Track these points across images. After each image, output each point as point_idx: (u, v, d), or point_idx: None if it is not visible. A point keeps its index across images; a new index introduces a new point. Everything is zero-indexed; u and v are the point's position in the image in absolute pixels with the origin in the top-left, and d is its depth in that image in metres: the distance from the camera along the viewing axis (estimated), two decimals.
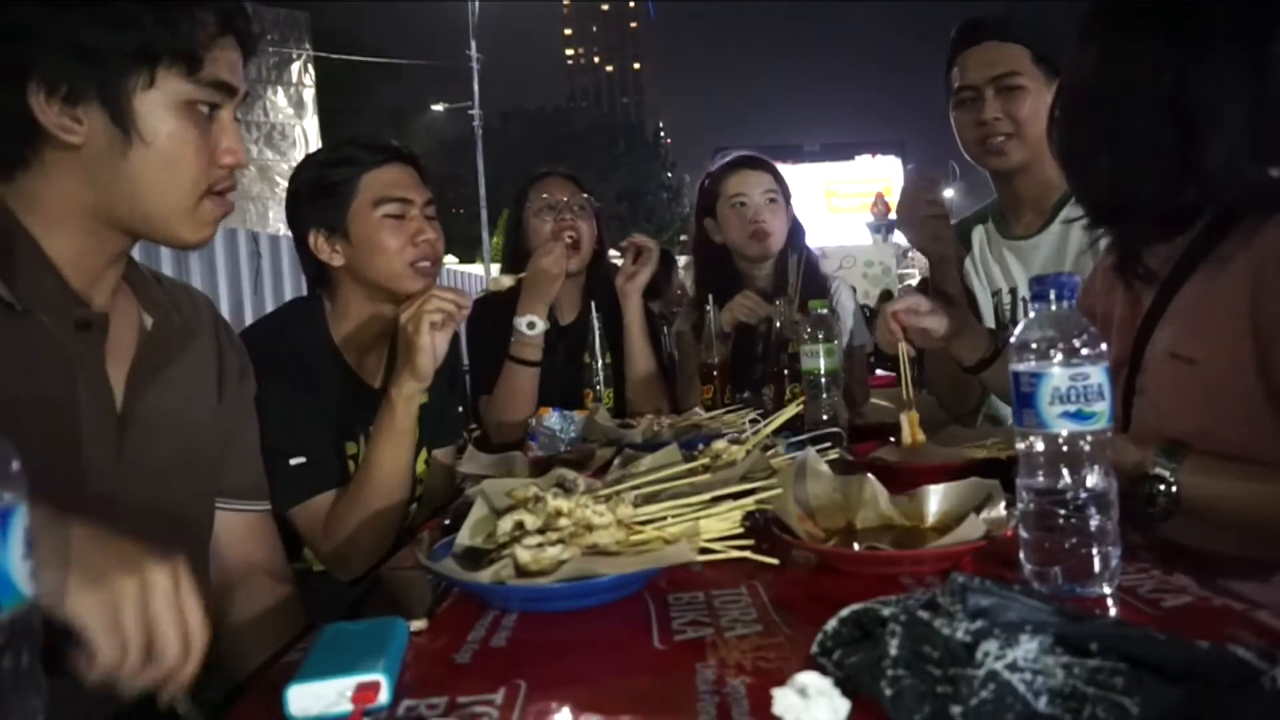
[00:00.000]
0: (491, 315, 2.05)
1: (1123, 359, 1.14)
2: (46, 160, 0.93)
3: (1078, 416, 0.74)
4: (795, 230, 2.24)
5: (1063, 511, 0.75)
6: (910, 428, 1.40)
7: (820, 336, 1.55)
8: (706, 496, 0.92)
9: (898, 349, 1.48)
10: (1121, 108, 1.03)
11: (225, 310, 5.78)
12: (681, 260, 6.43)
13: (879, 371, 3.73)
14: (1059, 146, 1.13)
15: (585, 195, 2.13)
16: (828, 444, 1.23)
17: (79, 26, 0.89)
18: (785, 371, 1.81)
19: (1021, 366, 0.77)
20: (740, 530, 0.87)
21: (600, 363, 1.95)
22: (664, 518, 0.89)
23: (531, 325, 1.88)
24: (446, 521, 1.05)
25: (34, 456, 0.50)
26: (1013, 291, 1.81)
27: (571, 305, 2.19)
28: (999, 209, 1.90)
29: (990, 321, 1.85)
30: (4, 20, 0.88)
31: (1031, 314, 0.79)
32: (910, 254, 13.21)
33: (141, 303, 1.07)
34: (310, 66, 17.25)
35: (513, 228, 2.19)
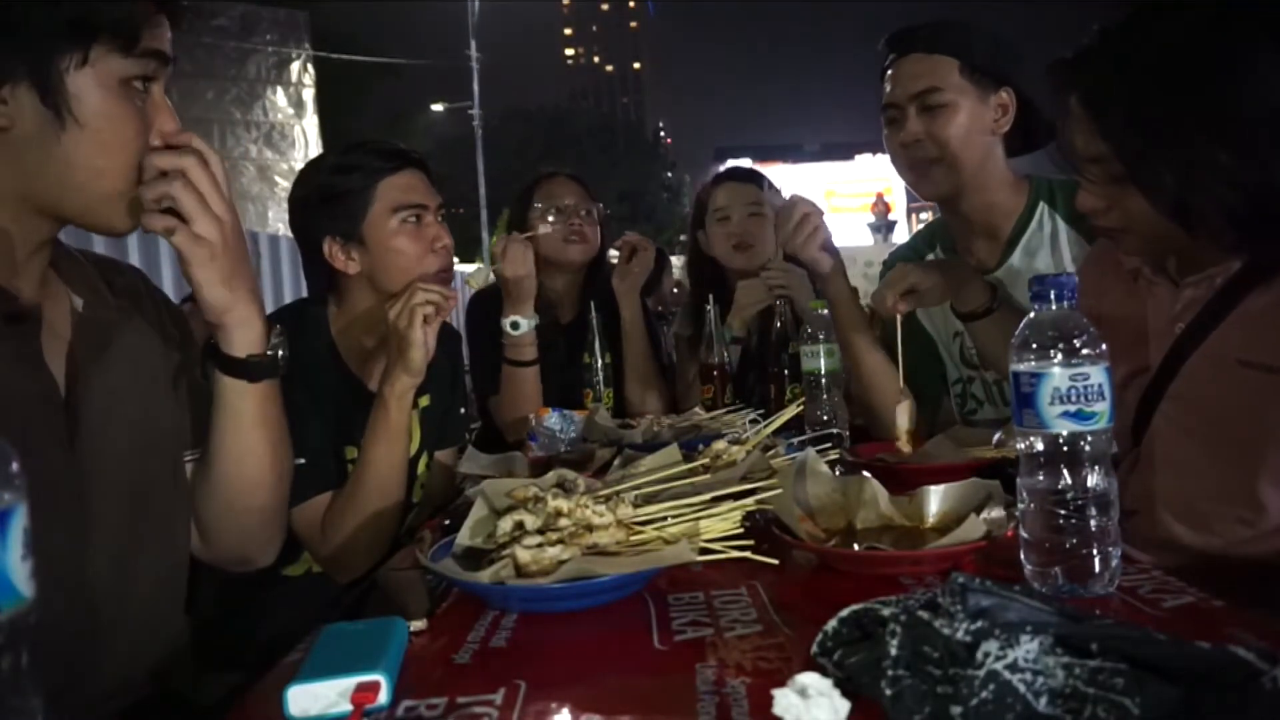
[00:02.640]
0: (490, 314, 2.05)
1: (1143, 365, 1.11)
2: None
3: (1078, 416, 0.74)
4: None
5: (1063, 512, 0.75)
6: (905, 419, 1.35)
7: (820, 336, 1.55)
8: (706, 497, 0.92)
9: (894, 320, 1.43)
10: (1176, 127, 0.99)
11: None
12: (677, 260, 6.43)
13: None
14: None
15: (591, 199, 2.16)
16: (828, 444, 1.23)
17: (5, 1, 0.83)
18: (785, 371, 1.81)
19: (1021, 366, 0.77)
20: (740, 530, 0.87)
21: (600, 362, 1.95)
22: (664, 518, 0.89)
23: (516, 325, 1.86)
24: (446, 521, 1.05)
25: None
26: None
27: (571, 305, 2.20)
28: (948, 237, 1.72)
29: (953, 363, 1.71)
30: None
31: (1032, 314, 0.79)
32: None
33: (68, 284, 1.02)
34: (310, 66, 17.27)
35: (515, 227, 2.19)
